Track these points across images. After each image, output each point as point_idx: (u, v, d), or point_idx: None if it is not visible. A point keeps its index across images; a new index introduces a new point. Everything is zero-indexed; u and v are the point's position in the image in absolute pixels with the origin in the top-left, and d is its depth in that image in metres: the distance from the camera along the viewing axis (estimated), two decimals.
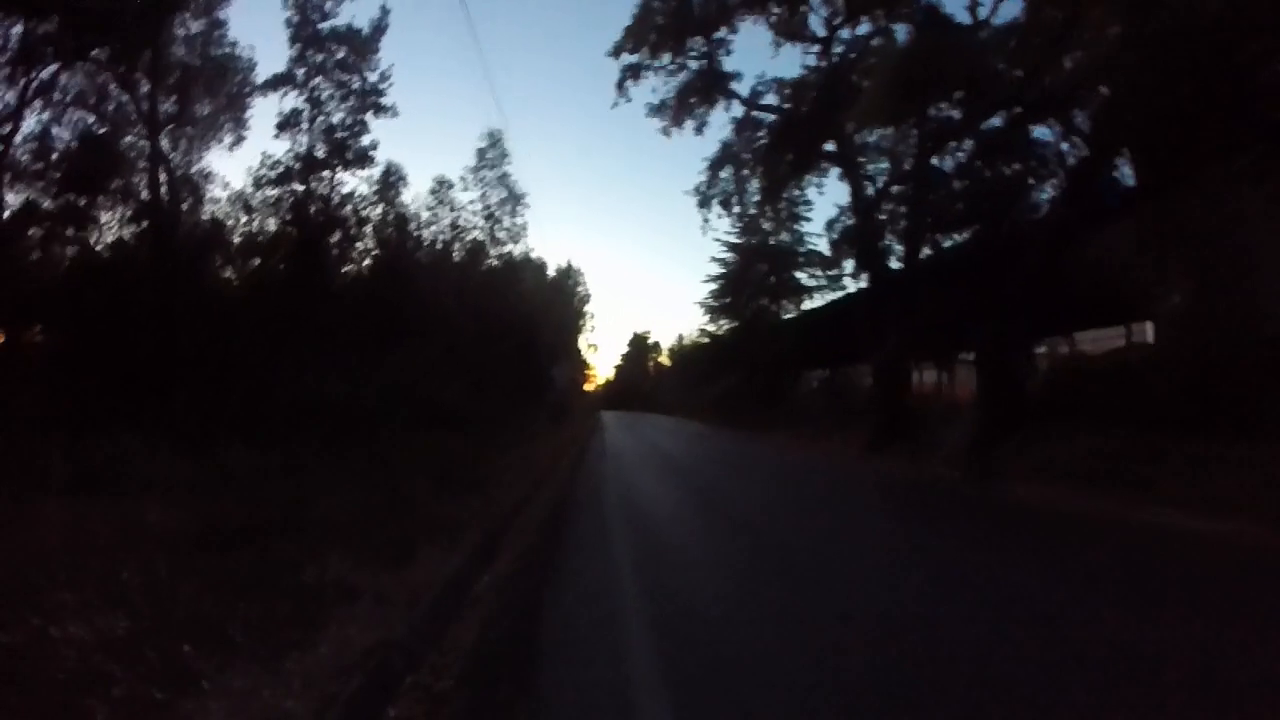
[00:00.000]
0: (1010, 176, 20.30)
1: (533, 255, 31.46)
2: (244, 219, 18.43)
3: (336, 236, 18.70)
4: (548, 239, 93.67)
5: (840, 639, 4.44)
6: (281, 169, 18.77)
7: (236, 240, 17.68)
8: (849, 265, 27.67)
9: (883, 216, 21.94)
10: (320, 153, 19.15)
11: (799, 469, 17.35)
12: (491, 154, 27.82)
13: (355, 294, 17.93)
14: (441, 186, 27.59)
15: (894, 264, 21.90)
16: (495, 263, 27.67)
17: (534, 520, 9.12)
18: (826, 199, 66.37)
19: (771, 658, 4.14)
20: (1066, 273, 15.72)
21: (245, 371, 12.53)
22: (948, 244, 22.01)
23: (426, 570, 5.98)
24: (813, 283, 43.27)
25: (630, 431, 34.90)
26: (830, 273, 40.46)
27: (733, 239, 46.07)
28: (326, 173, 19.25)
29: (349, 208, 19.20)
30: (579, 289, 65.58)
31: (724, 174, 23.41)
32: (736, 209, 24.31)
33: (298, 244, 17.38)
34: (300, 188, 18.78)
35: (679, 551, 7.48)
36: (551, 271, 51.30)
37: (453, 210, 26.79)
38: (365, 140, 20.78)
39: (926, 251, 21.47)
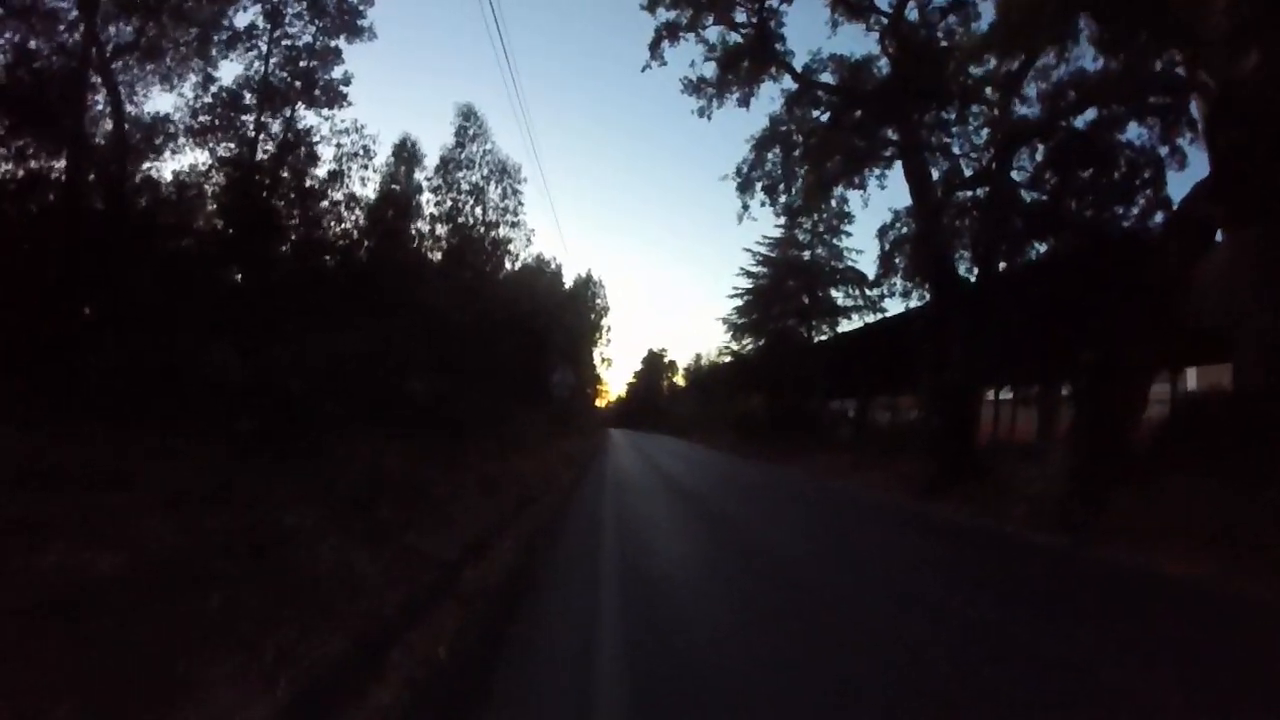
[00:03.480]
0: (1110, 181, 17.17)
1: (531, 236, 27.92)
2: (169, 156, 15.10)
3: (292, 188, 15.31)
4: (568, 250, 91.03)
5: None
6: (225, 97, 15.40)
7: (164, 185, 14.37)
8: (898, 282, 24.03)
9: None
10: (280, 83, 15.81)
11: (848, 514, 13.81)
12: (471, 129, 24.54)
13: (314, 263, 14.56)
14: (445, 165, 24.52)
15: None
16: (490, 249, 24.15)
17: (474, 595, 5.65)
18: (869, 213, 63.29)
19: None
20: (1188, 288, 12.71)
21: (131, 341, 9.32)
22: (1021, 257, 18.81)
23: None
24: (849, 302, 39.93)
25: (640, 454, 31.36)
26: (870, 292, 37.01)
27: (764, 250, 43.06)
28: (288, 110, 15.89)
29: (303, 149, 15.68)
30: (597, 300, 62.80)
31: (770, 155, 20.12)
32: (783, 198, 20.90)
33: (235, 193, 14.10)
34: (249, 119, 15.40)
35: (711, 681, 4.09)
36: (569, 280, 48.19)
37: (453, 191, 23.56)
38: (337, 72, 17.23)
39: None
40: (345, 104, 16.78)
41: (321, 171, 15.94)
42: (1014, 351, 17.14)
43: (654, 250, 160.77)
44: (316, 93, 16.22)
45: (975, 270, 18.54)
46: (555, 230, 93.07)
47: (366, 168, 16.70)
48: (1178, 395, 19.59)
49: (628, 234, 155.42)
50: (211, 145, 15.20)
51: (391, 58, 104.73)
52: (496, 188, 24.60)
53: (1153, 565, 8.40)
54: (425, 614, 4.91)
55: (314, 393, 9.81)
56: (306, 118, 16.56)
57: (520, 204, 25.33)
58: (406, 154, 23.31)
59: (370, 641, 4.14)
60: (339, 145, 16.34)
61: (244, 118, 15.48)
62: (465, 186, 23.88)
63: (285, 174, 14.89)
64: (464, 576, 6.02)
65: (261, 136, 15.53)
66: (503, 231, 24.90)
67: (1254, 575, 7.48)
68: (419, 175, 23.29)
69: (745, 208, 20.89)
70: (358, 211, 16.61)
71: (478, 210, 23.68)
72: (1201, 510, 9.94)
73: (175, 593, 4.17)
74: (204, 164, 15.14)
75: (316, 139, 16.05)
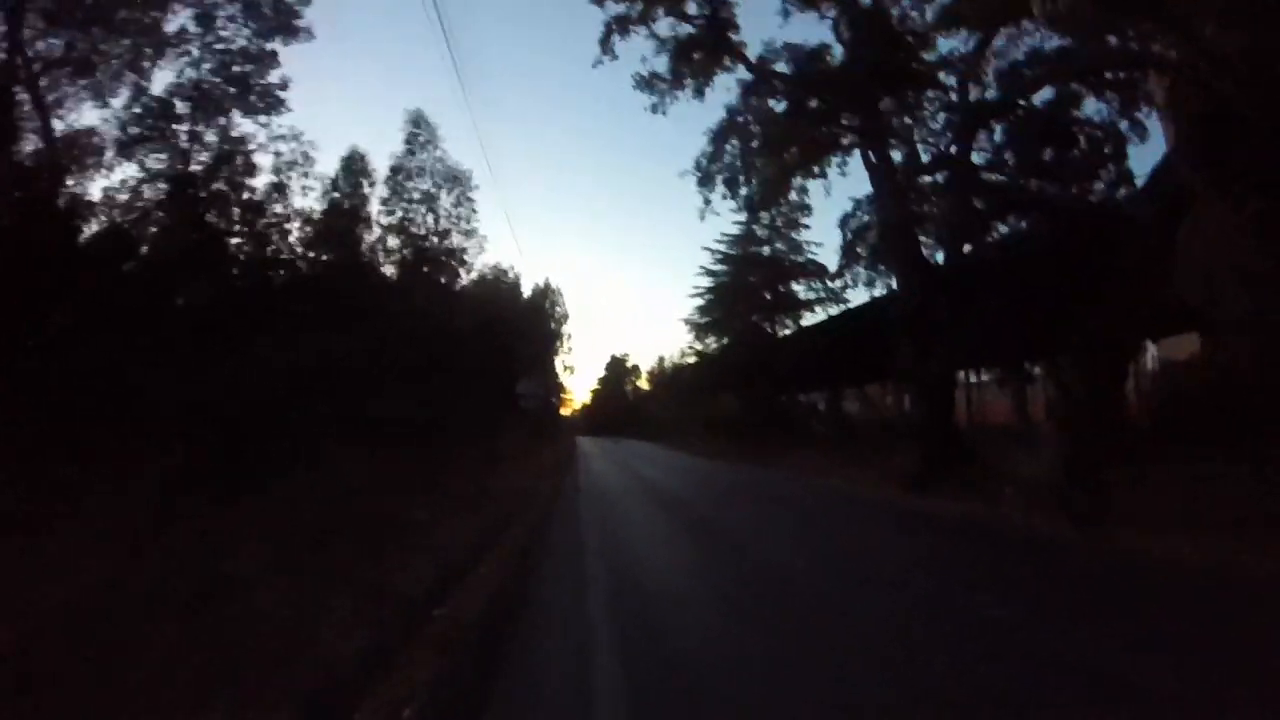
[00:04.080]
0: (1073, 158, 16.97)
1: (484, 243, 26.98)
2: (96, 173, 14.01)
3: (232, 202, 14.25)
4: (524, 258, 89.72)
5: None
6: (155, 106, 14.24)
7: (96, 204, 13.29)
8: (861, 271, 23.57)
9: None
10: (213, 89, 14.71)
11: (841, 514, 13.17)
12: (422, 136, 23.75)
13: (262, 278, 13.53)
14: (396, 174, 23.65)
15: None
16: (444, 258, 23.22)
17: (450, 635, 4.87)
18: (827, 206, 62.86)
19: None
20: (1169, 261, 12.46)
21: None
22: (990, 238, 18.52)
23: None
24: (811, 295, 39.66)
25: (615, 462, 30.57)
26: (833, 284, 36.70)
27: (724, 248, 42.64)
28: (222, 118, 14.88)
29: (239, 159, 14.66)
30: (557, 308, 61.87)
31: (729, 147, 19.56)
32: (743, 191, 20.34)
33: (171, 209, 13.04)
34: (183, 129, 14.31)
35: None
36: (528, 290, 47.16)
37: (404, 201, 22.73)
38: (274, 76, 16.12)
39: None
40: (283, 109, 15.85)
41: (260, 182, 15.02)
42: (994, 335, 16.78)
43: (610, 254, 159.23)
44: (252, 98, 15.28)
45: (943, 255, 18.23)
46: (510, 238, 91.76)
47: (307, 175, 15.83)
48: (1139, 370, 19.51)
49: (583, 239, 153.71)
50: (141, 158, 14.15)
51: (336, 67, 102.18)
52: (448, 195, 23.81)
53: (1167, 552, 7.94)
54: (391, 665, 4.19)
55: (272, 414, 8.97)
56: (242, 125, 15.66)
57: (473, 211, 24.56)
58: (357, 166, 22.44)
59: (322, 708, 3.41)
60: (277, 154, 15.46)
61: (175, 127, 14.45)
62: (416, 195, 23.07)
63: (223, 186, 13.93)
64: (439, 614, 5.29)
65: (195, 147, 14.57)
66: (455, 240, 24.07)
67: (1271, 558, 7.05)
68: (368, 187, 22.42)
69: (707, 202, 20.28)
70: (300, 224, 15.69)
71: (429, 219, 22.89)
72: (1208, 492, 9.61)
73: (87, 661, 3.42)
74: (135, 178, 14.10)
75: (253, 147, 15.17)
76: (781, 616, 5.60)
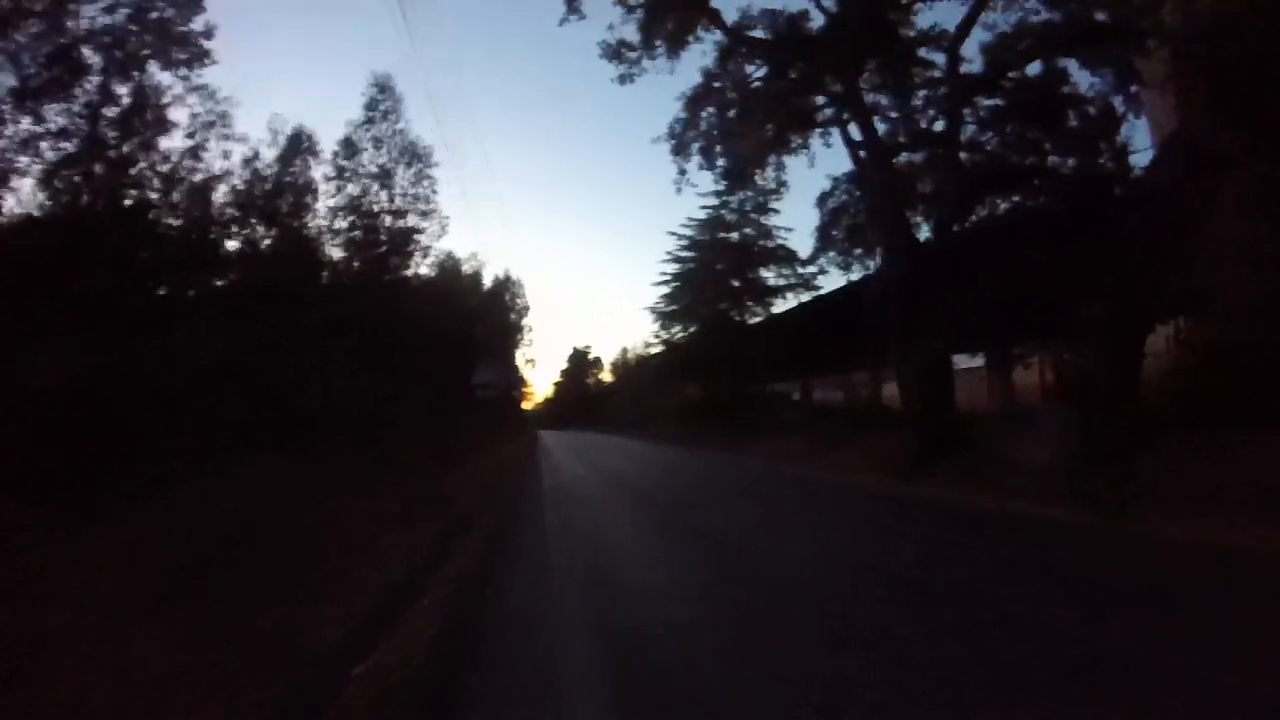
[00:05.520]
0: (1069, 130, 16.14)
1: (445, 224, 25.10)
2: None
3: (145, 165, 12.42)
4: (483, 245, 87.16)
5: None
6: (69, 61, 12.07)
7: None
8: (835, 256, 22.42)
9: None
10: (122, 33, 12.71)
11: (838, 505, 12.08)
12: (384, 105, 21.87)
13: (177, 252, 11.77)
14: (350, 146, 21.82)
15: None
16: (399, 240, 21.34)
17: (367, 707, 3.48)
18: (795, 190, 61.75)
19: None
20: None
21: None
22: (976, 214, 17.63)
23: None
24: (781, 281, 38.67)
25: (580, 456, 29.04)
26: (804, 270, 35.82)
27: (691, 233, 41.54)
28: (136, 71, 12.92)
29: (149, 113, 12.73)
30: (518, 300, 60.23)
31: (705, 114, 18.20)
32: (720, 161, 18.99)
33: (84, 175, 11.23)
34: (95, 82, 12.25)
35: None
36: (488, 281, 45.42)
37: (355, 178, 20.95)
38: (197, 23, 13.90)
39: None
40: (208, 61, 13.88)
41: (176, 143, 13.19)
42: (987, 314, 15.79)
43: (571, 246, 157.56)
44: (173, 48, 13.23)
45: (930, 232, 17.32)
46: (469, 224, 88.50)
47: (228, 138, 13.93)
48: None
49: (543, 229, 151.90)
50: (35, 108, 12.04)
51: (267, 21, 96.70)
52: (406, 172, 22.01)
53: (1199, 538, 7.19)
54: None
55: (169, 409, 7.43)
56: (160, 79, 13.61)
57: (433, 191, 22.78)
58: (304, 143, 20.61)
59: None
60: (194, 114, 13.55)
61: (87, 78, 12.37)
62: (373, 169, 21.25)
63: (131, 149, 12.12)
64: (355, 675, 3.89)
65: (106, 104, 12.54)
66: (412, 220, 22.28)
67: None
68: (314, 166, 20.57)
69: (682, 172, 18.93)
70: (229, 195, 13.86)
71: (383, 196, 21.09)
72: (1235, 475, 8.70)
73: None
74: (29, 132, 11.98)
75: (168, 100, 13.26)
76: (789, 633, 4.56)
